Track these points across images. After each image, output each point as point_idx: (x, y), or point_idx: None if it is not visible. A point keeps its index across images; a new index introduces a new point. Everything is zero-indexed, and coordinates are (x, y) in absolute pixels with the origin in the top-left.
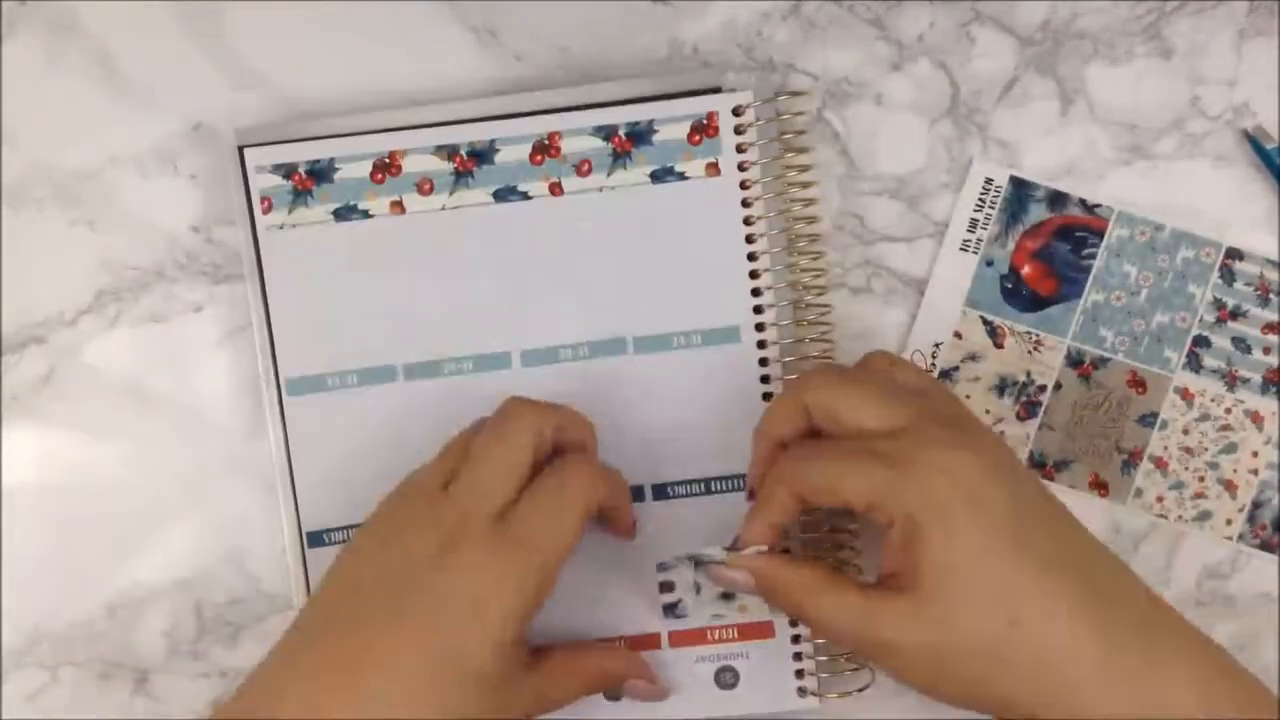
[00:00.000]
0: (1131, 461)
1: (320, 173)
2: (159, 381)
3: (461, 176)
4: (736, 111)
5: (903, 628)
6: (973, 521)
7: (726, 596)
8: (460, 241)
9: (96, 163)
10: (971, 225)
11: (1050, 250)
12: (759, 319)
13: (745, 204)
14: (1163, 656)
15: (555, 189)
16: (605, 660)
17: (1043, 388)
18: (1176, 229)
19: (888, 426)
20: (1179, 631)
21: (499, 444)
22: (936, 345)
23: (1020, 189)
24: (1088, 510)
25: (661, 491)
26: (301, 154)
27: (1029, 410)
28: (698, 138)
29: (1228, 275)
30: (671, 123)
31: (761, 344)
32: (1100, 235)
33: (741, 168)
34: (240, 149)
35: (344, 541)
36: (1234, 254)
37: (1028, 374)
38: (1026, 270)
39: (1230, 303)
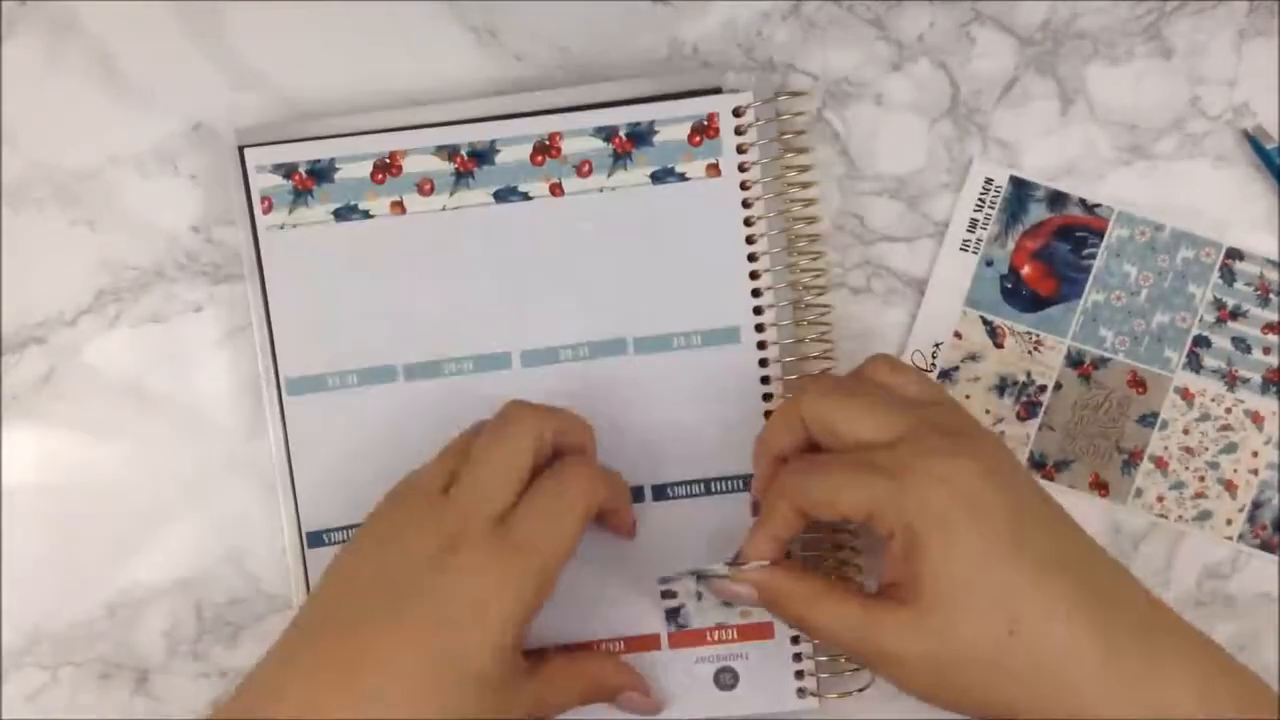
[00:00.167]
0: (1132, 461)
1: (321, 173)
2: (159, 381)
3: (462, 177)
4: (737, 112)
5: (903, 638)
6: (971, 529)
7: (729, 604)
8: (461, 242)
9: (96, 163)
10: (971, 225)
11: (1050, 250)
12: (759, 319)
13: (745, 204)
14: (1162, 658)
15: (556, 189)
16: (601, 670)
17: (1043, 388)
18: (1176, 229)
19: (884, 438)
20: (1178, 633)
21: (499, 447)
22: (936, 345)
23: (1020, 189)
24: (1088, 510)
25: (661, 492)
26: (302, 154)
27: (1029, 410)
28: (698, 138)
29: (1228, 275)
30: (672, 123)
31: (761, 344)
32: (1100, 235)
33: (742, 168)
34: (240, 149)
35: (344, 541)
36: (1234, 254)
37: (1028, 374)
38: (1026, 270)
39: (1230, 303)
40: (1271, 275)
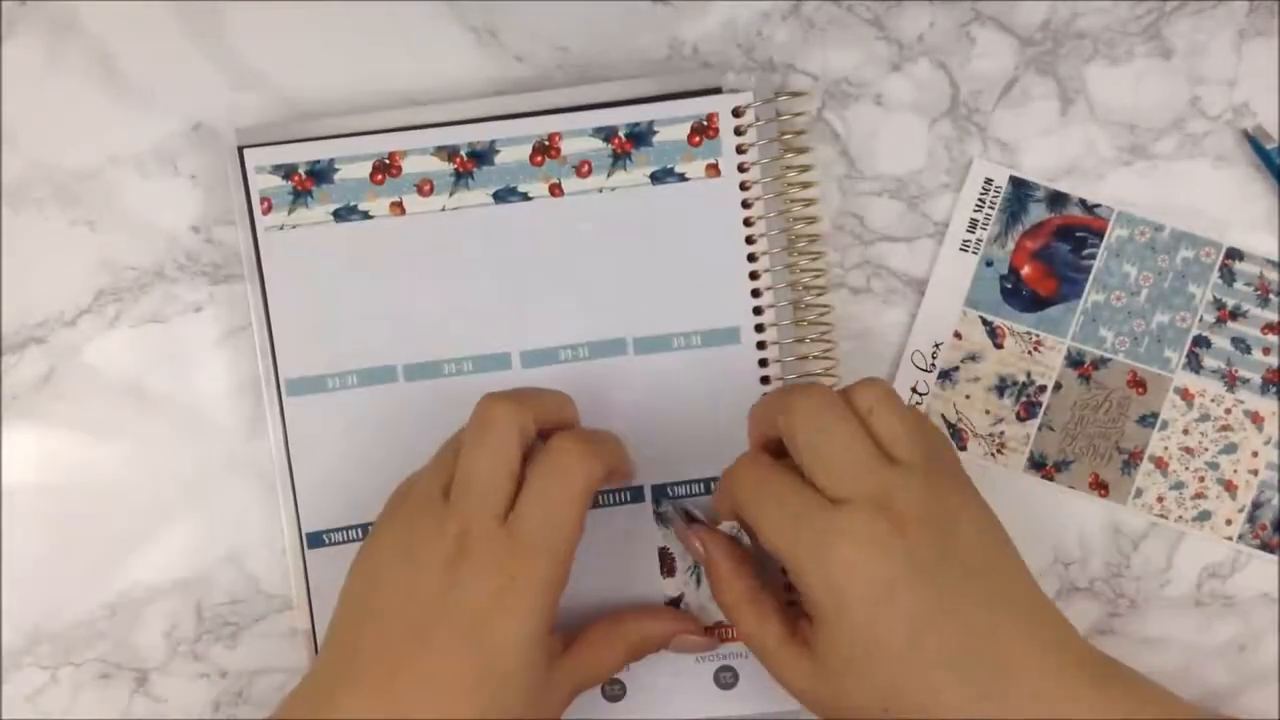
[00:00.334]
0: (1131, 462)
1: (320, 173)
2: (159, 381)
3: (461, 177)
4: (736, 112)
5: (798, 679)
6: (866, 623)
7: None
8: (460, 242)
9: (96, 163)
10: (971, 225)
11: (1050, 250)
12: (759, 319)
13: (745, 204)
14: None
15: (555, 190)
16: (641, 626)
17: (1043, 388)
18: (1176, 229)
19: (831, 494)
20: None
21: (484, 453)
22: (936, 345)
23: (1020, 189)
24: (1087, 510)
25: (661, 492)
26: (301, 154)
27: (1029, 410)
28: (698, 139)
29: (1228, 275)
30: (672, 124)
31: (761, 345)
32: (1100, 235)
33: (742, 168)
34: (240, 149)
35: (344, 542)
36: (1234, 254)
37: (1028, 374)
38: (1026, 270)
39: (1230, 303)
40: (1271, 275)
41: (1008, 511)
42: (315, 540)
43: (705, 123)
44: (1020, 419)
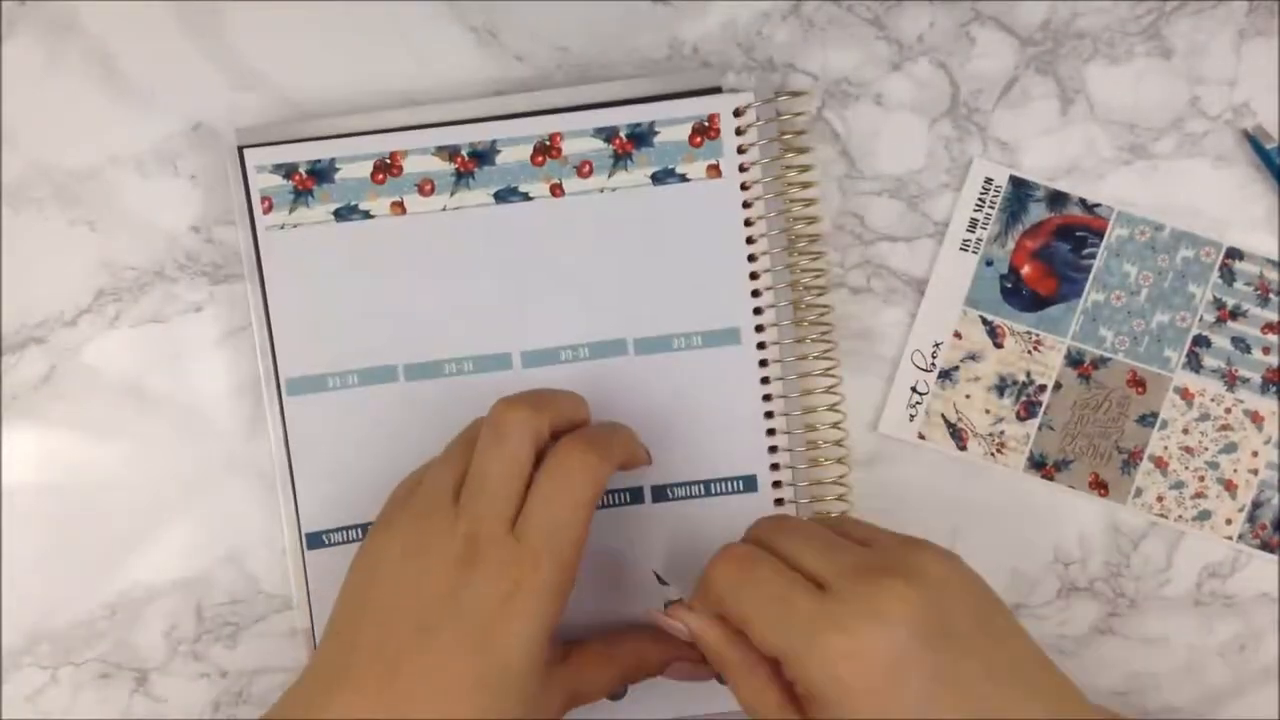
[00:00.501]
0: (1131, 461)
1: (321, 173)
2: (159, 381)
3: (462, 177)
4: (737, 112)
5: None
6: (873, 711)
7: None
8: (461, 242)
9: (96, 163)
10: (971, 225)
11: (1050, 250)
12: (759, 320)
13: (746, 205)
14: None
15: (556, 190)
16: (638, 649)
17: (1043, 388)
18: (1176, 229)
19: (815, 576)
20: None
21: (497, 457)
22: (936, 345)
23: (1020, 189)
24: (1087, 510)
25: (661, 493)
26: (302, 154)
27: (1029, 410)
28: (699, 139)
29: (1228, 275)
30: (673, 124)
31: (761, 345)
32: (1100, 235)
33: (742, 168)
34: (240, 150)
35: (344, 542)
36: (1234, 254)
37: (1028, 374)
38: (1026, 270)
39: (1230, 303)
40: (1271, 275)
41: (1007, 511)
42: (315, 541)
43: (706, 123)
44: (1020, 419)
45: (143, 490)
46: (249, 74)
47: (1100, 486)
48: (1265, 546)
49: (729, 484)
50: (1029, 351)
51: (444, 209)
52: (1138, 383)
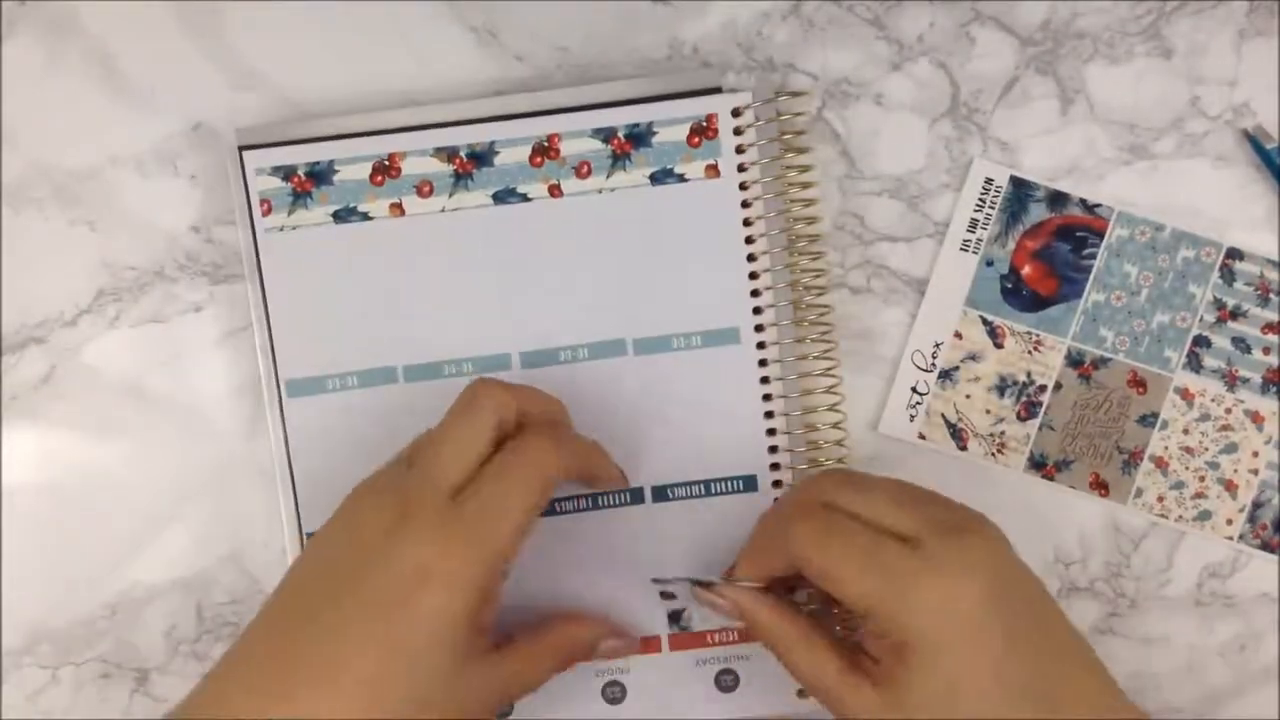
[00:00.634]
0: (1132, 461)
1: (320, 175)
2: (159, 381)
3: (461, 179)
4: (735, 112)
5: (865, 710)
6: (960, 659)
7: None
8: (460, 243)
9: (96, 163)
10: (971, 225)
11: (1050, 250)
12: (759, 320)
13: (745, 205)
14: None
15: (555, 191)
16: (567, 633)
17: (1043, 388)
18: (1176, 229)
19: (899, 530)
20: None
21: (459, 422)
22: (936, 345)
23: (1020, 189)
24: (1087, 510)
25: (661, 494)
26: (301, 156)
27: (1029, 410)
28: (697, 139)
29: (1228, 275)
30: (671, 125)
31: (761, 345)
32: (1100, 235)
33: (741, 169)
34: (240, 152)
35: None
36: (1234, 254)
37: (1028, 374)
38: (1027, 270)
39: (1230, 303)
40: (1271, 275)
41: (1008, 511)
42: None
43: (704, 123)
44: (1020, 419)
45: (143, 490)
46: (249, 74)
47: (1101, 486)
48: (1265, 546)
49: (729, 484)
50: (1029, 352)
51: (443, 210)
52: (1138, 383)
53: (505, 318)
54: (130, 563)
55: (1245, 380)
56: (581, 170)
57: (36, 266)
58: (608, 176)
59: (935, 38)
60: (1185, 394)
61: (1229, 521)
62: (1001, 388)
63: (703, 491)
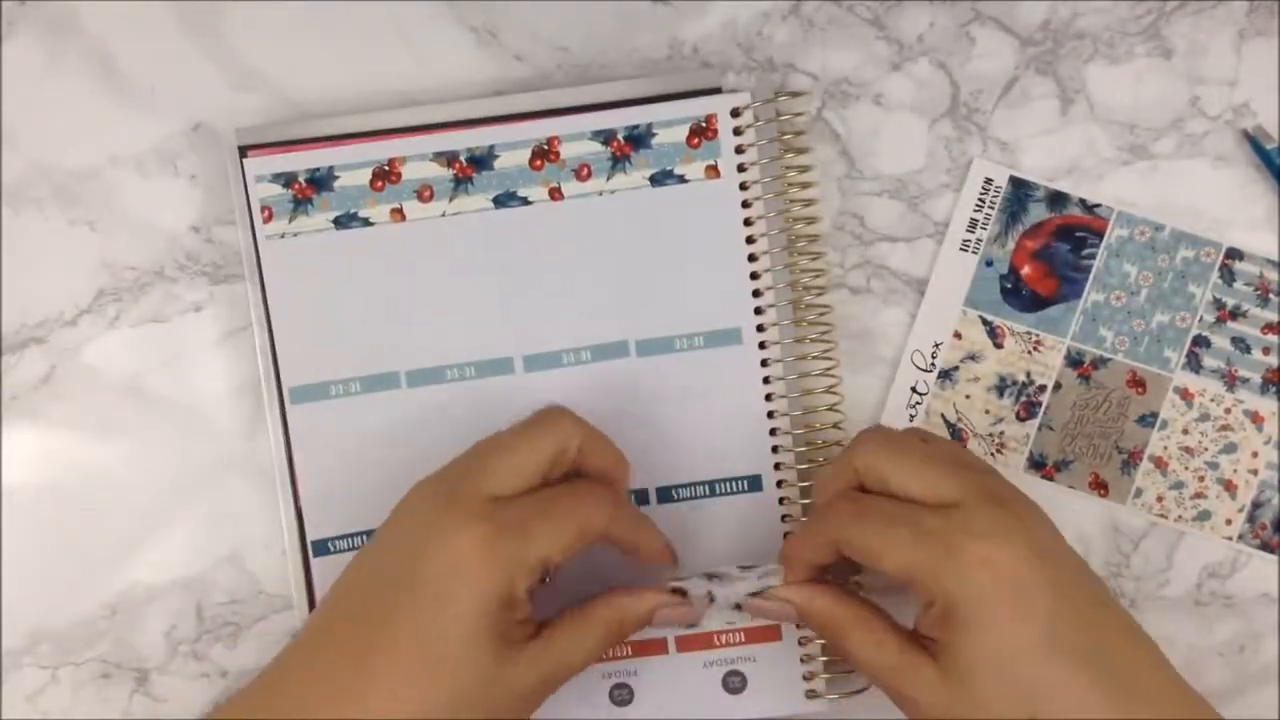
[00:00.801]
0: (1131, 461)
1: (320, 181)
2: (159, 381)
3: (461, 183)
4: (735, 113)
5: (929, 691)
6: (1010, 620)
7: (739, 606)
8: (461, 248)
9: (96, 163)
10: (971, 225)
11: (1050, 250)
12: (760, 320)
13: (745, 205)
14: None
15: (555, 194)
16: (619, 599)
17: (1043, 388)
18: (1176, 229)
19: (935, 499)
20: None
21: (522, 437)
22: (936, 345)
23: (1020, 189)
24: (1087, 510)
25: (666, 494)
26: (301, 163)
27: (1029, 410)
28: (697, 140)
29: (1228, 275)
30: (670, 126)
31: (763, 345)
32: (1100, 235)
33: (741, 169)
34: (241, 155)
35: (349, 549)
36: (1234, 254)
37: (1028, 374)
38: (1026, 270)
39: (1230, 303)
40: (1271, 275)
41: None
42: (320, 548)
43: (704, 124)
44: (1020, 419)
45: (143, 490)
46: (249, 74)
47: (1100, 487)
48: (1265, 547)
49: (734, 484)
50: (1029, 352)
51: (443, 215)
52: (1138, 383)
53: (507, 322)
54: (130, 563)
55: (1245, 380)
56: (581, 173)
57: (36, 266)
58: (608, 179)
59: (935, 38)
60: (1185, 394)
61: (1228, 521)
62: (1001, 388)
63: (707, 492)
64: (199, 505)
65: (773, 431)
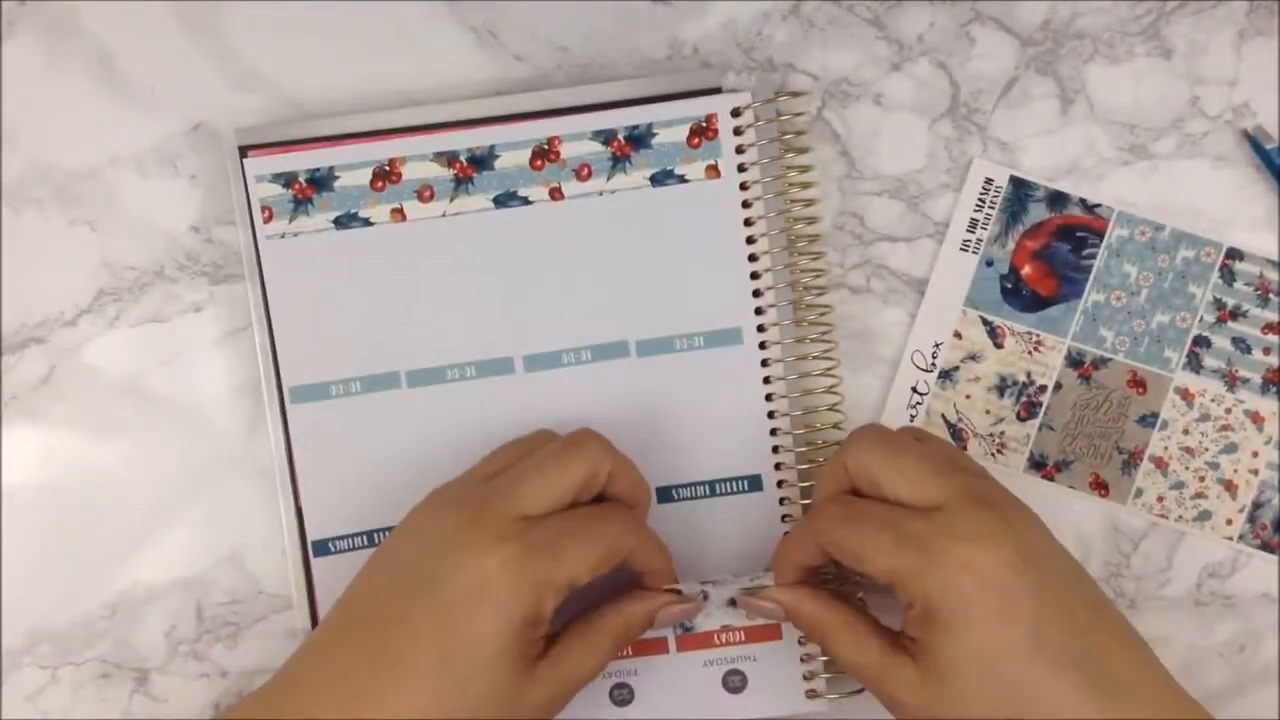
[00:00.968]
0: (1131, 461)
1: (320, 181)
2: (159, 381)
3: (461, 183)
4: (735, 113)
5: (912, 692)
6: (992, 623)
7: (733, 602)
8: (461, 248)
9: (96, 163)
10: (971, 225)
11: (1050, 250)
12: (760, 320)
13: (745, 205)
14: None
15: (555, 194)
16: (624, 606)
17: (1043, 388)
18: (1176, 229)
19: (923, 502)
20: None
21: (556, 461)
22: (936, 345)
23: (1020, 189)
24: (1087, 510)
25: (666, 494)
26: (301, 163)
27: (1029, 410)
28: (697, 140)
29: (1228, 275)
30: (670, 126)
31: (763, 345)
32: (1100, 235)
33: (741, 169)
34: (241, 155)
35: (350, 550)
36: (1234, 254)
37: (1028, 374)
38: (1026, 270)
39: (1230, 303)
40: (1271, 275)
41: None
42: (320, 548)
43: (704, 124)
44: (1020, 419)
45: (143, 490)
46: (249, 74)
47: (1100, 487)
48: (1265, 547)
49: (734, 484)
50: (1029, 352)
51: (444, 215)
52: (1138, 383)
53: (508, 321)
54: (130, 563)
55: (1245, 380)
56: (582, 173)
57: (36, 266)
58: (608, 179)
59: (935, 38)
60: (1185, 394)
61: (1229, 522)
62: (1001, 388)
63: (707, 492)
64: (199, 505)
65: (773, 431)
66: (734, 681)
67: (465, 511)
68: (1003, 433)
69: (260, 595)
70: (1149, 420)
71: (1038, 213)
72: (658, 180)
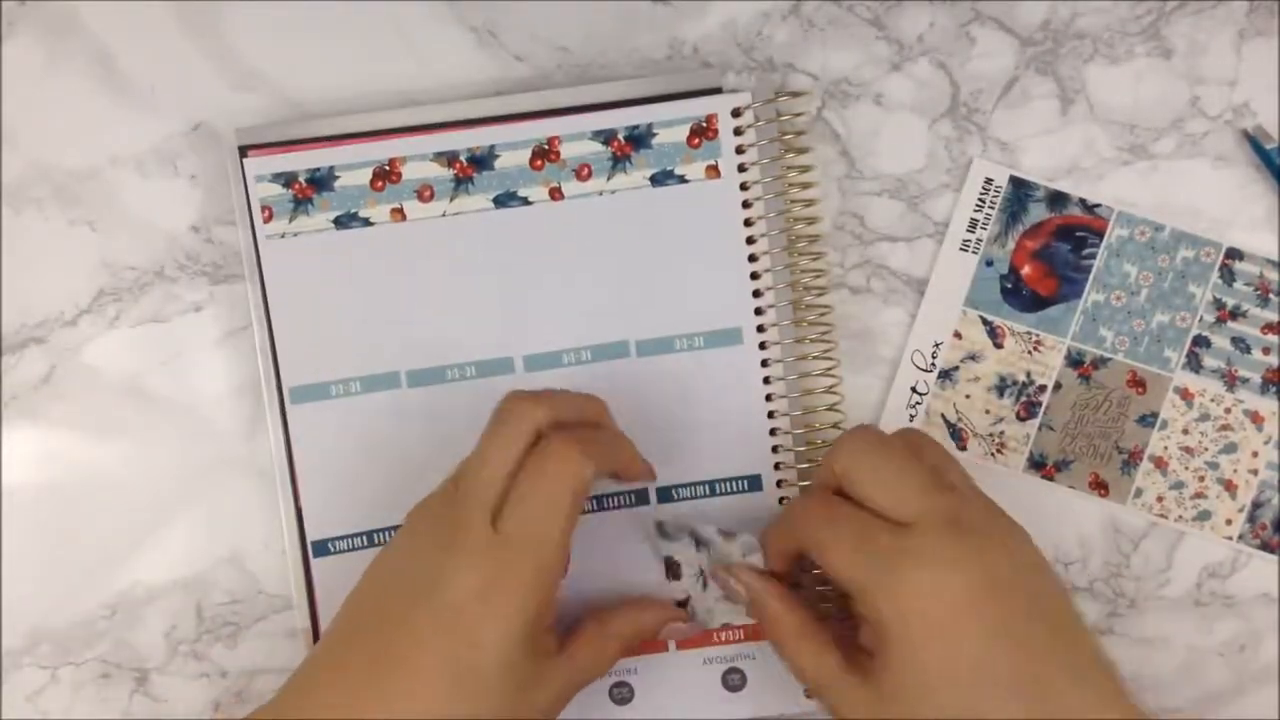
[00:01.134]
0: (1131, 461)
1: (320, 181)
2: (159, 381)
3: (462, 183)
4: (736, 113)
5: (860, 709)
6: (937, 650)
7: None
8: (461, 248)
9: (96, 163)
10: (971, 225)
11: (1050, 250)
12: (760, 320)
13: (745, 205)
14: None
15: (555, 194)
16: (635, 615)
17: (1043, 388)
18: (1176, 229)
19: (896, 516)
20: None
21: (493, 441)
22: (936, 345)
23: (1020, 189)
24: (1087, 510)
25: (666, 494)
26: (301, 163)
27: (1029, 410)
28: (697, 140)
29: (1228, 275)
30: (670, 126)
31: (763, 345)
32: (1100, 235)
33: (741, 169)
34: (241, 155)
35: (350, 550)
36: (1234, 254)
37: (1028, 374)
38: (1026, 270)
39: (1230, 303)
40: (1271, 275)
41: (1008, 511)
42: (321, 549)
43: (704, 124)
44: (1020, 419)
45: (143, 490)
46: (249, 74)
47: (1100, 487)
48: (1265, 547)
49: (734, 484)
50: (1029, 352)
51: (444, 215)
52: (1138, 383)
53: (507, 321)
54: (130, 563)
55: (1245, 380)
56: (582, 173)
57: (36, 266)
58: (608, 179)
59: (935, 38)
60: (1185, 394)
61: (1228, 521)
62: (1001, 388)
63: (708, 492)
64: (199, 505)
65: (773, 431)
66: (733, 680)
67: (443, 528)
68: (1002, 433)
69: (260, 595)
70: (1149, 420)
71: (1037, 213)
72: (658, 180)
